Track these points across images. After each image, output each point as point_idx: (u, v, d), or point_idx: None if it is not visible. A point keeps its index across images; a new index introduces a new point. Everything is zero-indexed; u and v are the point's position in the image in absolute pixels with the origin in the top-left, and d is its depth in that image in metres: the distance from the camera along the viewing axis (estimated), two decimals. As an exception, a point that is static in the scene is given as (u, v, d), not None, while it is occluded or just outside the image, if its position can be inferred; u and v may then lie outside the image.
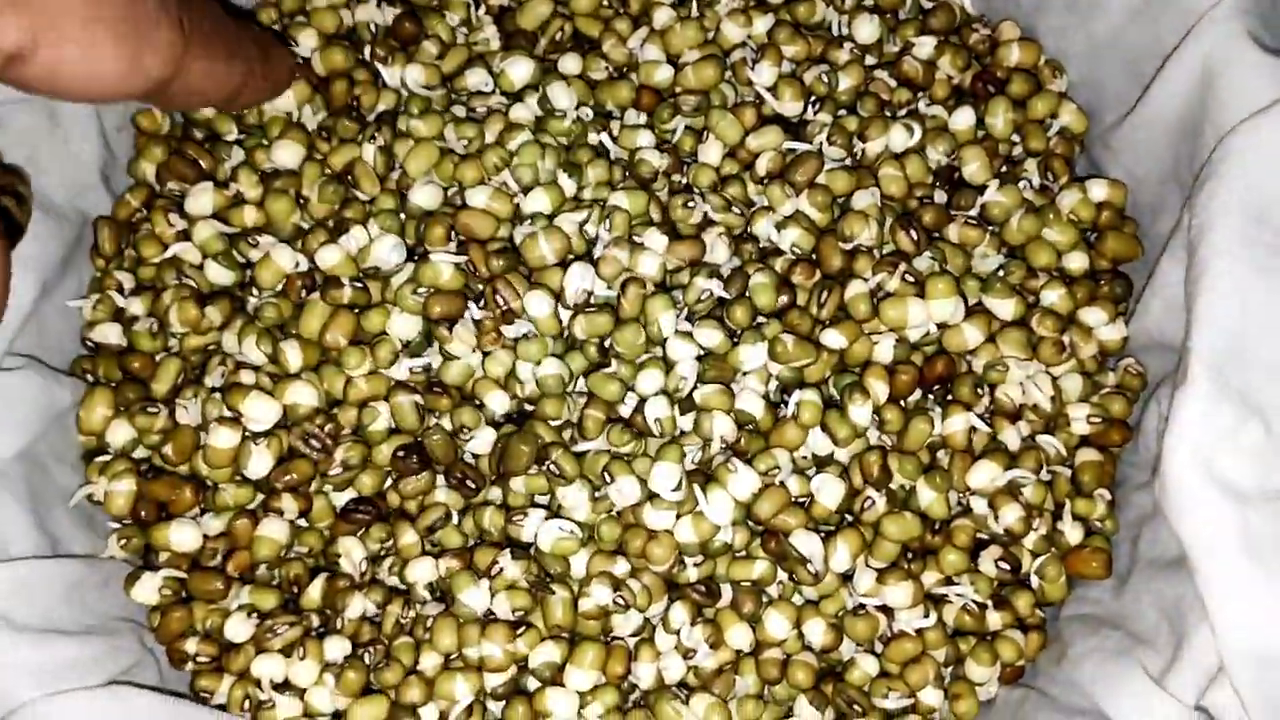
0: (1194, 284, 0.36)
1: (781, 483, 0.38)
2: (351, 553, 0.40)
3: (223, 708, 0.39)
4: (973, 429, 0.39)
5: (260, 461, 0.39)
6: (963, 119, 0.42)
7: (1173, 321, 0.39)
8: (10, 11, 0.22)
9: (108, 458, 0.40)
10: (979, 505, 0.39)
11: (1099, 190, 0.42)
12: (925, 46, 0.43)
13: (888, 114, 0.42)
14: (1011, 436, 0.40)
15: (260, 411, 0.39)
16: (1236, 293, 0.35)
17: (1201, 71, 0.37)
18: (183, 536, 0.39)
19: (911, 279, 0.39)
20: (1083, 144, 0.44)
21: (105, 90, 0.26)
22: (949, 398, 0.40)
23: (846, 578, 0.39)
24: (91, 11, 0.24)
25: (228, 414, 0.39)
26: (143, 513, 0.40)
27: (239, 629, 0.39)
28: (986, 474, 0.39)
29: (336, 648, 0.39)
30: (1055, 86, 0.43)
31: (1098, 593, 0.40)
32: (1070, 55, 0.43)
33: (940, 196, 0.42)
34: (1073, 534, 0.40)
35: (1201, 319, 0.35)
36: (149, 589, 0.39)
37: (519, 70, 0.41)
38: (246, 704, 0.39)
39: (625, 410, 0.39)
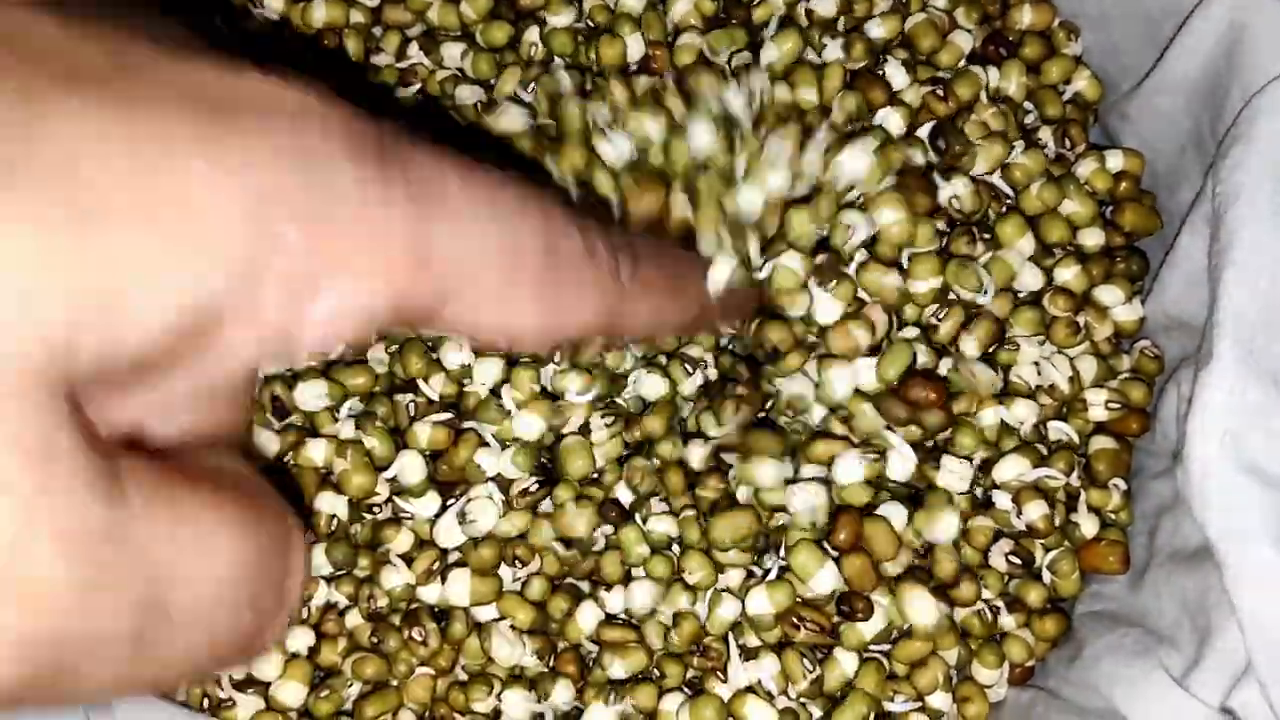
0: (1219, 255, 0.33)
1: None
2: None
3: (185, 704, 0.37)
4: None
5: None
6: (991, 76, 0.39)
7: (1192, 300, 0.36)
8: (419, 271, 0.19)
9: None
10: (1002, 500, 0.37)
11: (1115, 160, 0.39)
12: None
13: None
14: (1025, 416, 0.37)
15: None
16: (1267, 263, 0.32)
17: (1228, 27, 0.34)
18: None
19: (988, 236, 0.37)
20: (1096, 114, 0.41)
21: (523, 345, 0.24)
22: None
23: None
24: (508, 275, 0.21)
25: None
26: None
27: (198, 620, 0.37)
28: (1014, 469, 0.36)
29: (300, 639, 0.37)
30: (1070, 50, 0.41)
31: (1113, 588, 0.38)
32: (1084, 17, 0.41)
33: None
34: (1088, 526, 0.38)
35: (1228, 291, 0.33)
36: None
37: None
38: (205, 702, 0.36)
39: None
